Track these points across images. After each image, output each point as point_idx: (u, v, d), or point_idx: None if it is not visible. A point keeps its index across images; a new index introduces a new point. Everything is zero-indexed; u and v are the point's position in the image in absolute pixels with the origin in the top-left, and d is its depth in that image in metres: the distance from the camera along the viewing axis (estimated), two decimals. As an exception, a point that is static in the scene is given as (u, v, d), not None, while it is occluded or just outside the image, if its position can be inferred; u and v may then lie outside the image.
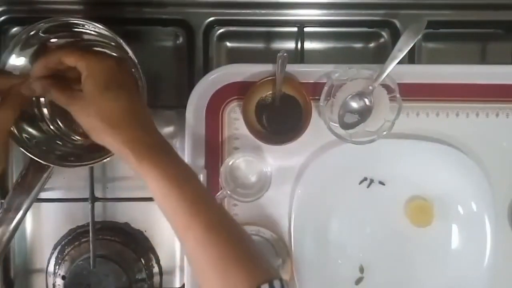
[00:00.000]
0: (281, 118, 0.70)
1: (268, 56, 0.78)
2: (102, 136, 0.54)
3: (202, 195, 0.54)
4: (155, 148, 0.54)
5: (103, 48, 0.66)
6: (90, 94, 0.54)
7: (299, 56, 0.76)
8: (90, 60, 0.55)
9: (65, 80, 0.57)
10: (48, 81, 0.56)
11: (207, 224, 0.52)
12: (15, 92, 0.56)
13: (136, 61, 0.61)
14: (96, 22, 0.60)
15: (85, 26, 0.61)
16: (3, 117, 0.56)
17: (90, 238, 0.71)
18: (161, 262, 0.77)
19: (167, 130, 0.77)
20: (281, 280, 0.50)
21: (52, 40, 0.63)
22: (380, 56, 0.78)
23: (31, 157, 0.61)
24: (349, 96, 0.68)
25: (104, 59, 0.56)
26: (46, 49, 0.61)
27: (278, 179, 0.70)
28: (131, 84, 0.58)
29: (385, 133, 0.68)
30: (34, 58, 0.61)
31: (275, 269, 0.53)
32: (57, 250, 0.76)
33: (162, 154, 0.54)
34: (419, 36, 0.66)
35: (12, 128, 0.60)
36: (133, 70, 0.63)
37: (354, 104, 0.68)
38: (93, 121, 0.54)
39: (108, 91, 0.54)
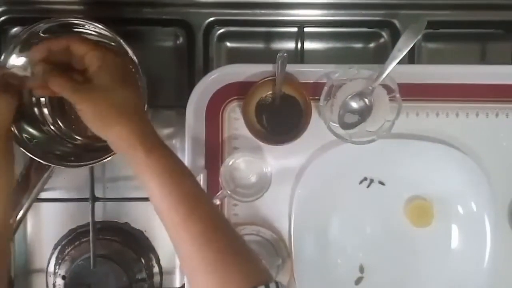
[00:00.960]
0: (281, 118, 0.70)
1: (268, 56, 0.77)
2: (112, 124, 0.52)
3: (199, 191, 0.55)
4: (159, 143, 0.54)
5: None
6: (105, 84, 0.52)
7: (299, 56, 0.76)
8: (104, 52, 0.54)
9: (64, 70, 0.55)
10: (50, 66, 0.54)
11: (204, 221, 0.51)
12: (6, 81, 0.55)
13: (136, 61, 0.61)
14: (96, 22, 0.60)
15: (85, 26, 0.61)
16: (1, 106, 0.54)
17: (90, 238, 0.71)
18: (161, 262, 0.77)
19: (167, 130, 0.77)
20: (276, 283, 0.49)
21: None
22: (380, 56, 0.78)
23: (31, 157, 0.61)
24: (349, 96, 0.68)
25: (118, 55, 0.55)
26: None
27: (278, 179, 0.70)
28: (137, 82, 0.58)
29: (385, 133, 0.68)
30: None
31: (269, 272, 0.53)
32: (57, 250, 0.76)
33: (165, 149, 0.54)
34: (419, 36, 0.65)
35: (12, 128, 0.60)
36: (133, 70, 0.63)
37: (354, 104, 0.68)
38: (104, 108, 0.52)
39: (124, 83, 0.53)
